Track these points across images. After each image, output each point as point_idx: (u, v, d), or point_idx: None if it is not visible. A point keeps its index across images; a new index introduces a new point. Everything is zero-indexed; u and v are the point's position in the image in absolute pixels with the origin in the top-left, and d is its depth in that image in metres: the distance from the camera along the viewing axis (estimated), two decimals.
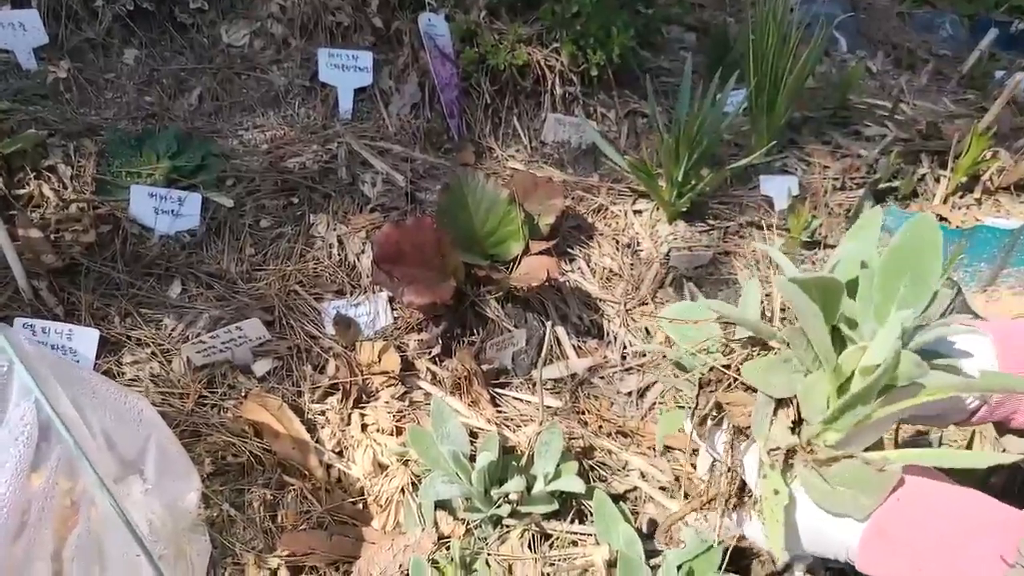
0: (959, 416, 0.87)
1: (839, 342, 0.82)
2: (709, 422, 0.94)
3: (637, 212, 1.81)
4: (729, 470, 0.90)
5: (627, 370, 1.52)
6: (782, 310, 0.97)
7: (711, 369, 0.92)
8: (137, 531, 0.82)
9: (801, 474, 0.82)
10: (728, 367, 0.92)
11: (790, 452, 0.84)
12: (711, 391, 0.93)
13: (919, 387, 0.77)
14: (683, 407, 0.98)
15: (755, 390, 0.87)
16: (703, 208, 1.81)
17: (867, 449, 0.82)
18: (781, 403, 0.86)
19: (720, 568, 1.08)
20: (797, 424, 0.85)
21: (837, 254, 0.89)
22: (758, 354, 0.92)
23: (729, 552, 1.01)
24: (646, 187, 1.75)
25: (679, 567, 1.07)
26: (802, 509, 0.81)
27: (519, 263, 1.55)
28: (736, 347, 0.94)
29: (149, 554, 0.80)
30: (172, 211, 1.62)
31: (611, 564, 1.06)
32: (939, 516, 0.71)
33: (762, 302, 1.00)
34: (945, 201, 1.74)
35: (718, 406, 0.92)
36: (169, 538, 1.01)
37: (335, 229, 1.67)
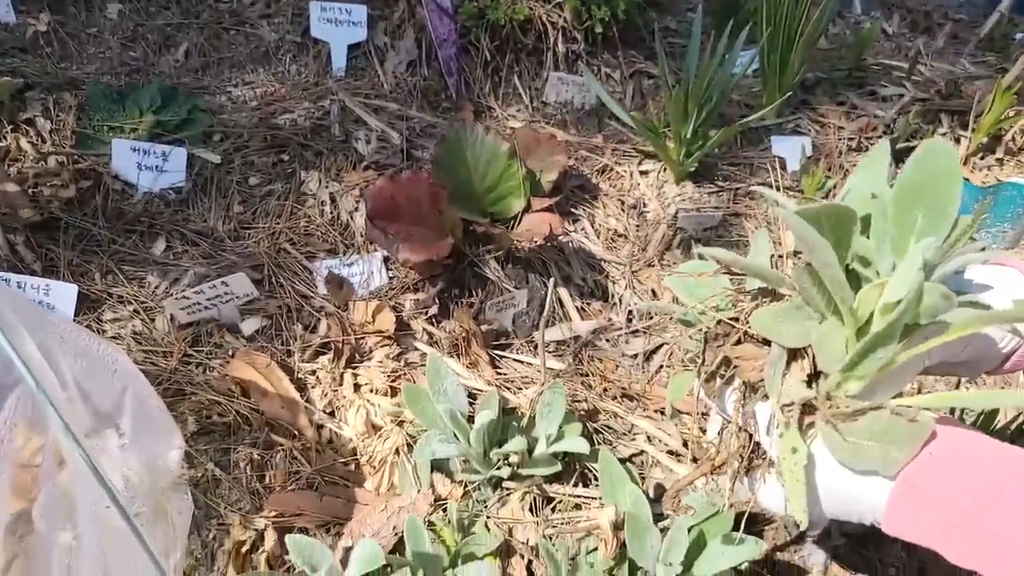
0: (992, 363, 0.81)
1: (854, 282, 0.75)
2: (717, 379, 0.88)
3: (643, 173, 1.74)
4: (741, 429, 0.84)
5: (633, 332, 1.45)
6: (794, 259, 0.90)
7: (718, 322, 0.86)
8: (108, 482, 0.76)
9: (822, 430, 0.75)
10: (736, 320, 0.85)
11: (806, 407, 0.77)
12: (718, 346, 0.86)
13: (945, 325, 0.70)
14: (691, 369, 0.92)
15: (766, 343, 0.80)
16: (712, 169, 1.74)
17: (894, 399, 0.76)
18: (794, 354, 0.79)
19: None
20: (813, 377, 0.79)
21: (844, 188, 0.82)
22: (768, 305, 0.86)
23: (744, 517, 0.95)
24: (653, 146, 1.68)
25: (689, 529, 1.00)
26: (822, 469, 0.75)
27: (520, 221, 1.48)
28: (745, 302, 0.87)
29: (120, 505, 0.74)
30: (156, 167, 1.55)
31: (617, 526, 0.99)
32: (973, 469, 0.65)
33: (771, 255, 0.93)
34: (966, 162, 1.67)
35: (726, 361, 0.85)
36: (147, 495, 0.94)
37: (327, 187, 1.60)
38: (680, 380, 0.92)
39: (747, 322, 0.83)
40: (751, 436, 0.84)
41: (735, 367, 0.84)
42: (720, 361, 0.85)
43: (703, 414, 0.92)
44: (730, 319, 0.83)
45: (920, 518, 0.67)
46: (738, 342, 0.83)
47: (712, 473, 0.99)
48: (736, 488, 0.90)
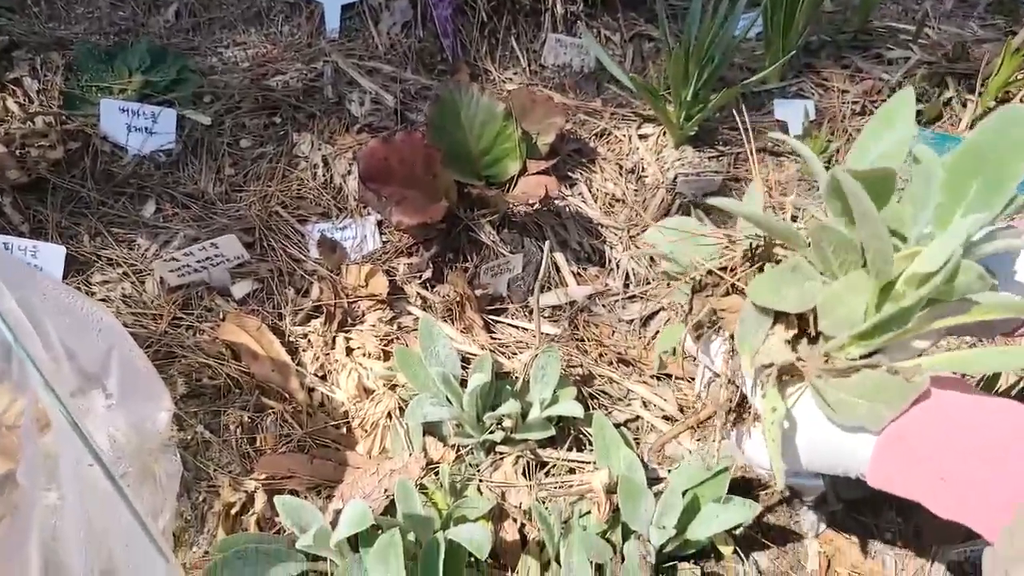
0: (1006, 328, 0.79)
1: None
2: (706, 330, 0.87)
3: (642, 137, 1.70)
4: (729, 382, 0.83)
5: (630, 298, 1.44)
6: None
7: (708, 272, 0.84)
8: (91, 441, 0.74)
9: (812, 385, 0.74)
10: (724, 270, 0.83)
11: (786, 369, 0.76)
12: (706, 296, 0.85)
13: (971, 304, 0.68)
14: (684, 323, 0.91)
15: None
16: (713, 133, 1.70)
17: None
18: (779, 316, 0.77)
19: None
20: (797, 339, 0.77)
21: (866, 147, 0.79)
22: (755, 259, 0.83)
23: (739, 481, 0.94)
24: (653, 109, 1.64)
25: (683, 493, 0.99)
26: (809, 423, 0.74)
27: (515, 184, 1.45)
28: (736, 252, 0.85)
29: (103, 463, 0.72)
30: (145, 128, 1.52)
31: (610, 489, 0.98)
32: (966, 421, 0.65)
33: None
34: (972, 126, 1.63)
35: (713, 312, 0.84)
36: (134, 456, 0.93)
37: (320, 149, 1.57)
38: (671, 332, 0.90)
39: (735, 273, 0.82)
40: (738, 388, 0.83)
41: (722, 318, 0.83)
42: (707, 312, 0.83)
43: (691, 365, 0.90)
44: (719, 269, 0.82)
45: (906, 470, 0.67)
46: (726, 293, 0.82)
47: (698, 427, 0.98)
48: (726, 444, 0.89)
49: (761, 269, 0.82)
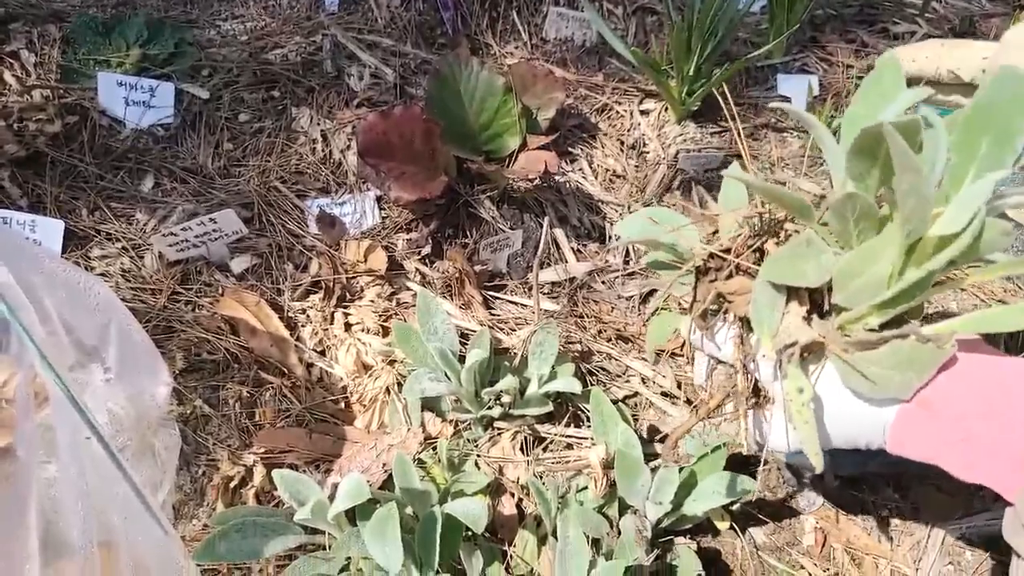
0: None
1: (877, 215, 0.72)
2: (710, 317, 0.85)
3: (644, 112, 1.69)
4: (744, 367, 0.82)
5: (629, 275, 1.43)
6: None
7: (710, 256, 0.83)
8: (88, 412, 0.75)
9: (834, 361, 0.73)
10: (728, 251, 0.82)
11: (808, 347, 0.75)
12: (711, 281, 0.83)
13: (990, 263, 0.67)
14: (670, 309, 0.89)
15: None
16: (715, 109, 1.68)
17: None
18: (791, 293, 0.76)
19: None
20: (809, 314, 0.76)
21: (866, 111, 0.78)
22: (760, 237, 0.82)
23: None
24: (655, 84, 1.63)
25: (680, 469, 1.00)
26: (829, 399, 0.74)
27: (515, 159, 1.44)
28: (741, 233, 0.84)
29: (99, 434, 0.73)
30: (144, 102, 1.51)
31: (607, 465, 0.99)
32: (990, 384, 0.65)
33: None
34: None
35: (719, 297, 0.83)
36: (133, 429, 0.93)
37: (319, 124, 1.56)
38: (662, 321, 0.89)
39: (739, 254, 0.81)
40: (750, 374, 0.82)
41: (730, 302, 0.82)
42: (713, 297, 0.82)
43: (691, 357, 0.90)
44: (721, 251, 0.81)
45: (928, 434, 0.67)
46: (730, 276, 0.80)
47: (709, 417, 0.97)
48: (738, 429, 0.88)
49: (761, 249, 0.81)
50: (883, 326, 0.72)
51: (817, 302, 0.77)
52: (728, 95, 0.85)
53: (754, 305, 0.75)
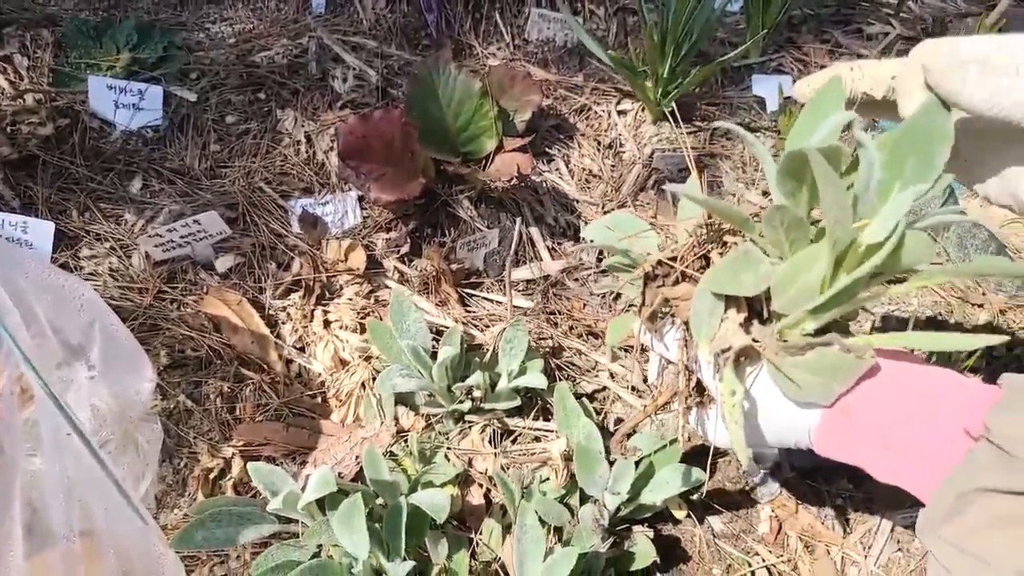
0: None
1: (813, 231, 0.77)
2: (659, 320, 0.90)
3: (621, 112, 1.73)
4: (685, 368, 0.86)
5: (602, 272, 1.47)
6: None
7: (657, 263, 0.87)
8: (68, 410, 0.80)
9: (774, 364, 0.78)
10: (674, 259, 0.87)
11: (742, 352, 0.79)
12: (658, 286, 0.88)
13: (915, 271, 0.72)
14: (630, 312, 0.94)
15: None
16: (691, 109, 1.72)
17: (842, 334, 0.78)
18: (730, 300, 0.81)
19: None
20: (748, 320, 0.80)
21: (806, 129, 0.82)
22: (703, 246, 0.87)
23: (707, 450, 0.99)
24: (630, 85, 1.67)
25: (637, 462, 1.05)
26: (765, 401, 0.78)
27: (492, 161, 1.48)
28: (686, 241, 0.88)
29: (78, 430, 0.78)
30: (133, 105, 1.56)
31: (568, 457, 1.04)
32: (908, 393, 0.69)
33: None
34: None
35: (665, 302, 0.87)
36: (115, 424, 0.99)
37: (303, 126, 1.60)
38: (620, 322, 0.94)
39: (684, 262, 0.85)
40: (694, 374, 0.87)
41: (675, 307, 0.87)
42: (660, 301, 0.87)
43: (643, 349, 0.94)
44: (668, 259, 0.85)
45: (851, 439, 0.71)
46: (676, 282, 0.85)
47: (656, 413, 1.02)
48: (687, 424, 0.93)
49: (707, 257, 0.85)
50: (818, 331, 0.77)
51: (757, 309, 0.81)
52: (677, 113, 0.89)
53: (693, 312, 0.79)
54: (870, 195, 0.73)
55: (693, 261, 0.86)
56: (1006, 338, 0.66)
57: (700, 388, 0.88)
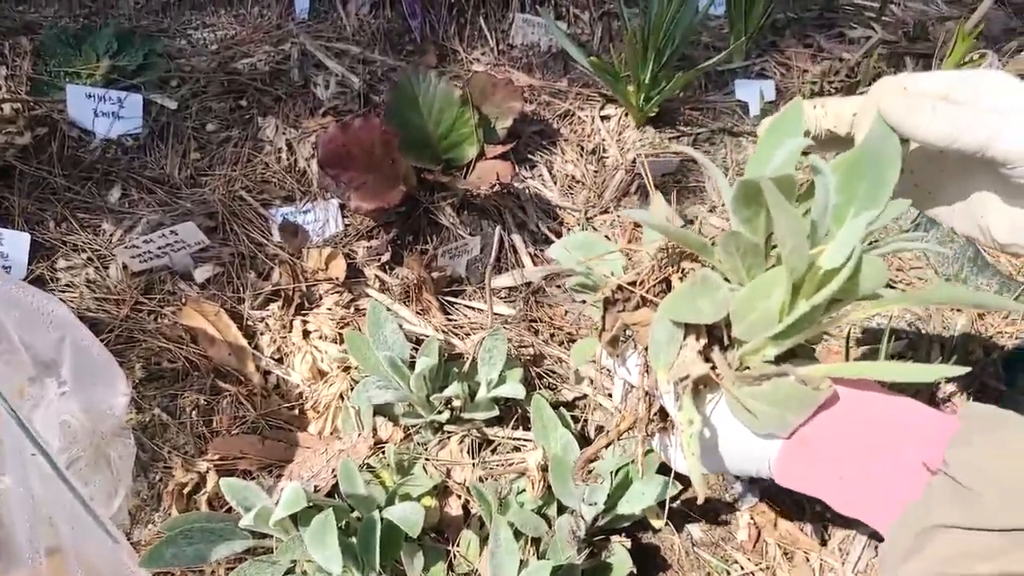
0: None
1: (767, 258, 0.76)
2: (621, 344, 0.89)
3: (604, 118, 1.72)
4: (646, 394, 0.85)
5: None
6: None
7: (618, 287, 0.86)
8: (33, 431, 0.79)
9: (731, 393, 0.77)
10: (634, 284, 0.85)
11: (701, 380, 0.79)
12: (618, 311, 0.87)
13: (875, 297, 0.71)
14: (592, 335, 0.92)
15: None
16: (674, 114, 1.72)
17: (800, 363, 0.77)
18: (690, 328, 0.80)
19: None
20: (708, 347, 0.79)
21: (766, 156, 0.82)
22: (663, 271, 0.86)
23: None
24: (612, 90, 1.66)
25: (614, 472, 1.04)
26: (725, 429, 0.77)
27: (473, 168, 1.48)
28: (646, 265, 0.87)
29: (44, 452, 0.77)
30: (112, 113, 1.55)
31: (544, 468, 1.03)
32: (866, 424, 0.68)
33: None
34: None
35: (625, 327, 0.86)
36: (87, 440, 0.98)
37: (285, 133, 1.59)
38: (583, 346, 0.93)
39: (644, 287, 0.84)
40: (655, 400, 0.86)
41: (635, 332, 0.85)
42: (620, 327, 0.86)
43: (604, 370, 0.93)
44: (628, 283, 0.84)
45: (809, 471, 0.70)
46: (636, 307, 0.84)
47: (619, 439, 1.00)
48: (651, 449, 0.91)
49: (667, 281, 0.84)
50: (781, 356, 0.76)
51: (718, 335, 0.80)
52: (645, 162, 0.89)
53: (651, 340, 0.78)
54: (827, 220, 0.73)
55: (654, 285, 0.84)
56: (966, 369, 0.65)
57: (663, 414, 0.86)
